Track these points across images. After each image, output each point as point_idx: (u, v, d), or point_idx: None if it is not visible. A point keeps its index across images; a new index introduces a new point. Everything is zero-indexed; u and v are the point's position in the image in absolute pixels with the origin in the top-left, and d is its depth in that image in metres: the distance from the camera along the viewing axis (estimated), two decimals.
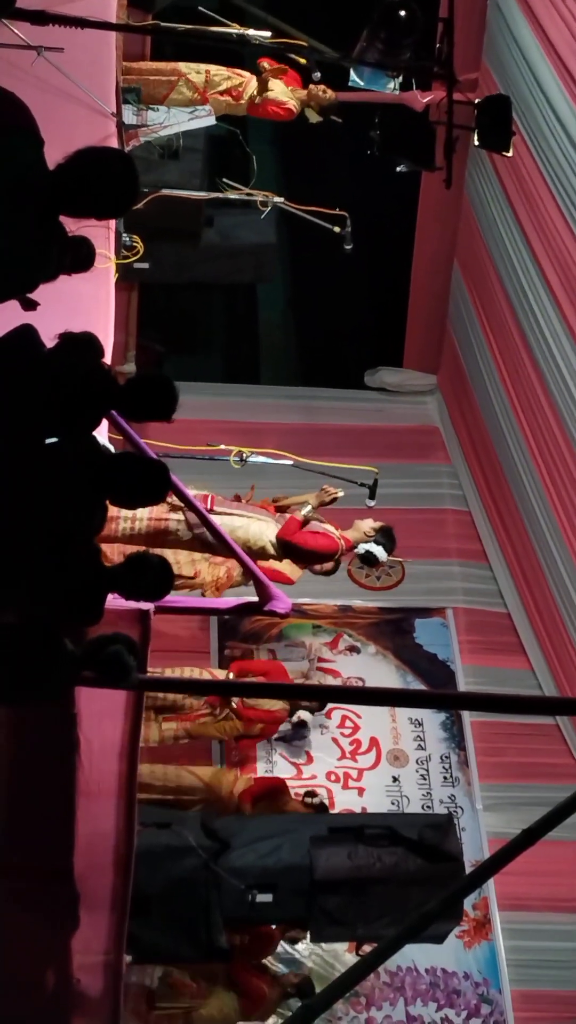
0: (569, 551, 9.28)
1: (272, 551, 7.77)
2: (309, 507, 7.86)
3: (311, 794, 8.84)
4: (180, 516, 7.42)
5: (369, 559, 8.19)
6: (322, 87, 9.10)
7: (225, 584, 8.13)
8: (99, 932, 6.35)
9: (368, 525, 8.11)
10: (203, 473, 8.43)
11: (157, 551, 5.96)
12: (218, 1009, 8.16)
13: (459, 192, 10.23)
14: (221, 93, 9.19)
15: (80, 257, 4.79)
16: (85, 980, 6.36)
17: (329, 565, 8.21)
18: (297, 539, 7.74)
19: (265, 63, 9.12)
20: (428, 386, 12.13)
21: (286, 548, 7.77)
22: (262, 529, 7.78)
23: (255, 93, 9.18)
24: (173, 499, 7.06)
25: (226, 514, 7.73)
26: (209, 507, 7.58)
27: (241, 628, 10.07)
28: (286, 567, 8.11)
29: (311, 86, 9.14)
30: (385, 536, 8.16)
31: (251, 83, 9.20)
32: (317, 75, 9.11)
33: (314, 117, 9.29)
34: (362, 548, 8.13)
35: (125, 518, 7.35)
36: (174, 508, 7.39)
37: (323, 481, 8.42)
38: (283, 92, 9.18)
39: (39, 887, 6.18)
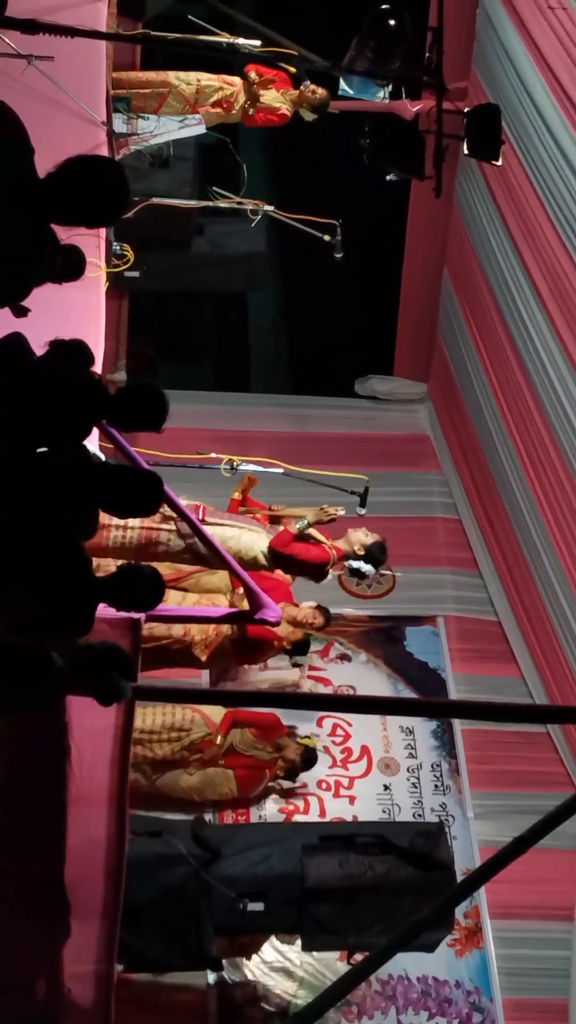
0: (559, 559, 9.29)
1: (264, 561, 7.77)
2: (305, 522, 7.87)
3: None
4: (171, 527, 7.42)
5: (357, 574, 8.23)
6: (311, 87, 9.12)
7: (215, 642, 8.01)
8: (90, 941, 6.34)
9: (360, 538, 8.09)
10: (193, 481, 8.44)
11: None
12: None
13: (449, 201, 10.26)
14: (212, 105, 9.18)
15: (70, 264, 4.78)
16: (76, 989, 6.35)
17: (319, 620, 8.22)
18: (290, 550, 7.76)
19: (253, 72, 9.13)
20: (418, 394, 12.14)
21: (277, 559, 7.78)
22: (254, 540, 7.78)
23: (246, 103, 9.18)
24: (165, 509, 7.05)
25: (218, 525, 7.73)
26: (200, 518, 7.57)
27: None
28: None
29: (301, 88, 9.16)
30: (378, 550, 8.15)
31: (241, 92, 9.20)
32: (307, 83, 9.14)
33: (309, 116, 9.31)
34: (352, 563, 8.14)
35: (117, 527, 7.34)
36: (166, 519, 7.39)
37: (313, 490, 8.43)
38: (275, 98, 9.19)
39: (30, 895, 6.17)
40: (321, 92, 9.14)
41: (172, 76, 9.17)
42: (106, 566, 7.16)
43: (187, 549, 7.45)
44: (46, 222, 4.23)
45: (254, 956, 8.58)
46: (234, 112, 9.27)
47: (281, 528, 7.94)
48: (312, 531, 7.95)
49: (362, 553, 8.06)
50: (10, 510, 4.36)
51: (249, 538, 7.78)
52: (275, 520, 8.12)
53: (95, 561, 7.16)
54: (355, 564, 8.10)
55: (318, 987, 8.51)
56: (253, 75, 9.11)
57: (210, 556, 7.24)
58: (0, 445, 4.35)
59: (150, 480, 4.69)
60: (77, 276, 5.07)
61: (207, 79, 9.20)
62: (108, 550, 7.34)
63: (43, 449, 4.50)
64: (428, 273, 11.34)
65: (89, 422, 4.70)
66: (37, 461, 4.46)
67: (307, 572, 8.06)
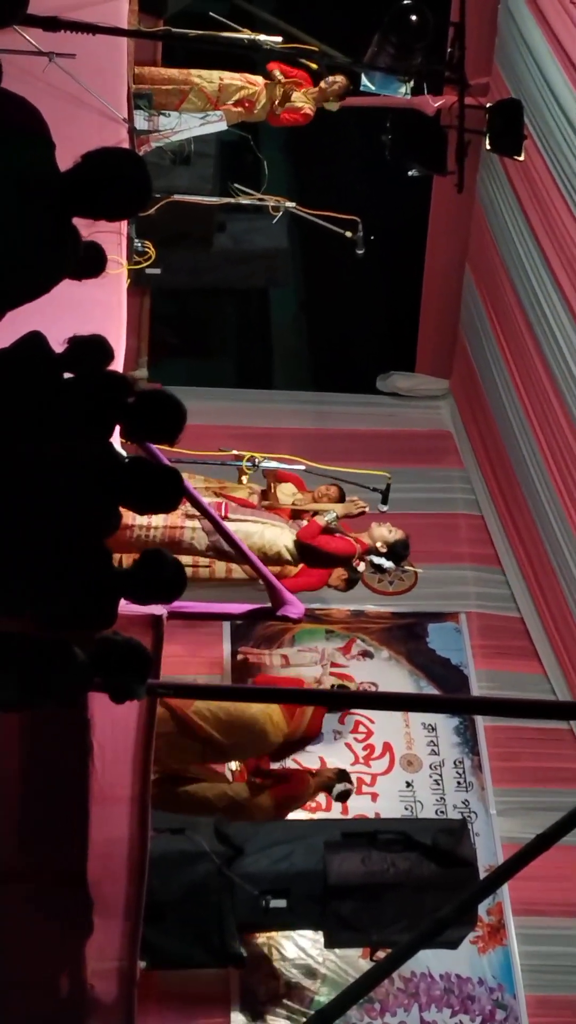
0: None
1: (288, 556, 7.78)
2: (334, 515, 7.88)
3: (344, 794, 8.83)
4: (195, 524, 7.43)
5: (378, 569, 8.24)
6: (330, 79, 9.11)
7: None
8: (113, 938, 6.35)
9: (383, 534, 8.11)
10: (215, 478, 8.44)
11: None
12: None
13: (471, 196, 10.23)
14: (234, 104, 9.17)
15: (90, 261, 4.78)
16: (99, 986, 6.36)
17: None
18: (317, 542, 7.78)
19: (276, 70, 9.11)
20: (440, 391, 12.12)
21: (304, 551, 7.79)
22: (276, 535, 7.79)
23: (276, 102, 9.14)
24: (188, 507, 7.05)
25: (240, 521, 7.73)
26: (223, 514, 7.58)
27: (254, 633, 10.06)
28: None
29: (321, 84, 9.16)
30: (401, 546, 8.16)
31: (263, 92, 9.19)
32: (328, 79, 9.14)
33: (334, 106, 9.29)
34: (373, 559, 8.15)
35: (140, 526, 7.35)
36: (189, 516, 7.40)
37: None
38: (298, 97, 9.18)
39: (53, 892, 6.18)
40: (340, 81, 9.12)
41: (195, 75, 9.17)
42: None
43: (211, 546, 7.46)
44: (68, 216, 4.23)
45: (276, 953, 8.59)
46: (256, 112, 9.25)
47: (305, 523, 7.95)
48: (342, 530, 7.98)
49: (384, 550, 8.07)
50: (30, 506, 4.36)
51: (272, 533, 7.79)
52: (296, 515, 8.13)
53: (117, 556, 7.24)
54: (376, 560, 8.11)
55: (341, 984, 8.51)
56: (278, 73, 9.10)
57: (233, 553, 7.25)
58: (20, 442, 4.35)
59: (170, 475, 4.67)
60: (97, 273, 5.07)
61: (229, 77, 9.19)
62: (132, 547, 7.35)
63: (66, 444, 4.50)
64: (450, 269, 11.31)
65: (110, 420, 4.69)
66: (56, 458, 4.45)
67: (331, 564, 8.06)
